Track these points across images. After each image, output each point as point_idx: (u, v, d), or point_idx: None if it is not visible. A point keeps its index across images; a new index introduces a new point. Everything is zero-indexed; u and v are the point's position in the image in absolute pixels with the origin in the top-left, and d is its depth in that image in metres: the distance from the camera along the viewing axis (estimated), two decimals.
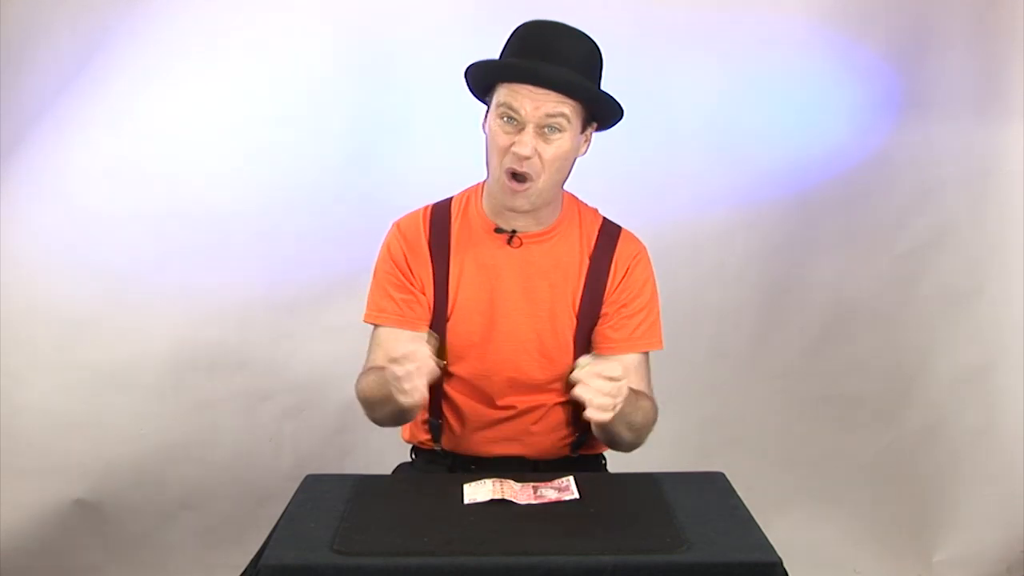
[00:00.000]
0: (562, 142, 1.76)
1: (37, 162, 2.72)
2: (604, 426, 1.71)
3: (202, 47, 2.73)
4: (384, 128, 2.78)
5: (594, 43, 1.80)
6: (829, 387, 2.95)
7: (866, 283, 2.91)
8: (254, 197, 2.78)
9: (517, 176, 1.76)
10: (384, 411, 1.79)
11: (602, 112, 1.82)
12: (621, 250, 1.89)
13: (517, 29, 1.80)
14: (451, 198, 1.93)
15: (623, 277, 1.87)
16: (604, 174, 2.59)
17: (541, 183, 1.77)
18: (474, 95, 1.85)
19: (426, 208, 1.92)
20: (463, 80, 1.83)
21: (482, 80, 1.80)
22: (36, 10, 2.66)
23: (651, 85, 2.79)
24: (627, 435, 1.79)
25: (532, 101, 1.73)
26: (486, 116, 1.82)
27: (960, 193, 2.88)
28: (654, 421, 1.86)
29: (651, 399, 1.87)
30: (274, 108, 2.76)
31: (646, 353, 1.90)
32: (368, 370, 1.85)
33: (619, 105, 1.80)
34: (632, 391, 1.71)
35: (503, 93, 1.75)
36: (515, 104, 1.73)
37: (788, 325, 2.93)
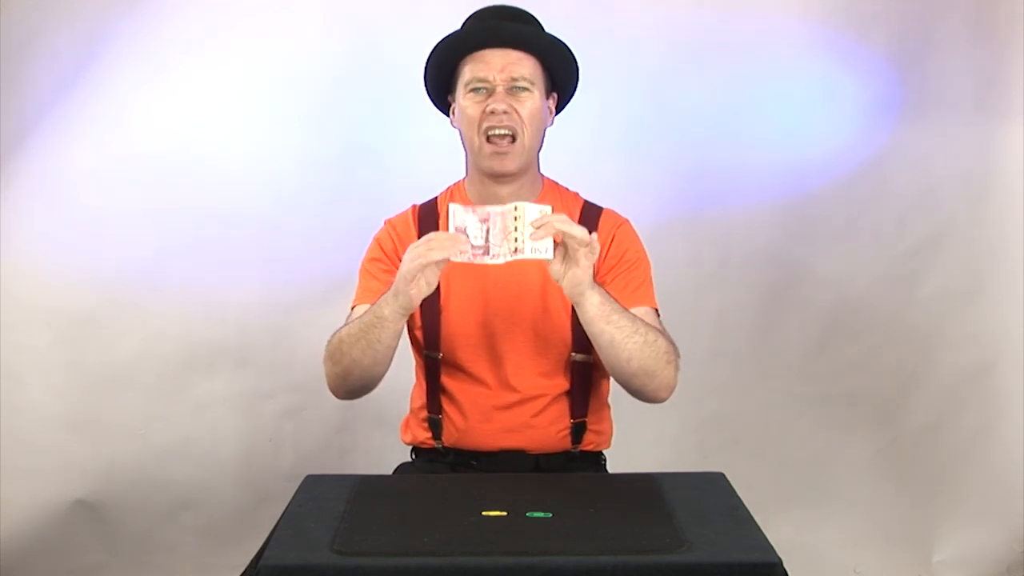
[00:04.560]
0: (533, 101, 1.83)
1: (37, 162, 2.73)
2: (602, 330, 1.68)
3: (202, 47, 2.73)
4: (384, 128, 2.78)
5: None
6: (829, 387, 2.95)
7: (866, 283, 2.91)
8: (254, 197, 2.78)
9: (498, 136, 1.81)
10: (358, 347, 1.73)
11: (559, 74, 1.89)
12: (605, 221, 1.91)
13: (466, 19, 1.90)
14: (436, 196, 1.98)
15: (611, 243, 1.89)
16: (604, 174, 2.61)
17: (526, 140, 1.83)
18: (434, 101, 1.94)
19: (413, 207, 1.96)
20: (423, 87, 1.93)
21: (446, 62, 1.87)
22: (36, 10, 2.66)
23: (651, 85, 2.80)
24: (631, 345, 1.70)
25: (499, 61, 1.82)
26: (453, 113, 1.90)
27: (960, 193, 2.88)
28: (672, 352, 1.77)
29: (664, 332, 1.81)
30: (274, 108, 2.77)
31: (654, 310, 1.88)
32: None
33: (574, 59, 1.88)
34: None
35: (467, 69, 1.84)
36: (482, 72, 1.82)
37: (788, 325, 2.93)
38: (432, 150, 2.67)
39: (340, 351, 1.78)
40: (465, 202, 1.91)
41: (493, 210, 1.62)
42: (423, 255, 1.61)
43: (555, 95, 1.92)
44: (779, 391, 2.95)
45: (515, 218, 1.60)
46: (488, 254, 1.62)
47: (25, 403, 2.76)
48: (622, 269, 1.88)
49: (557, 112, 1.95)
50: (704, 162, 2.84)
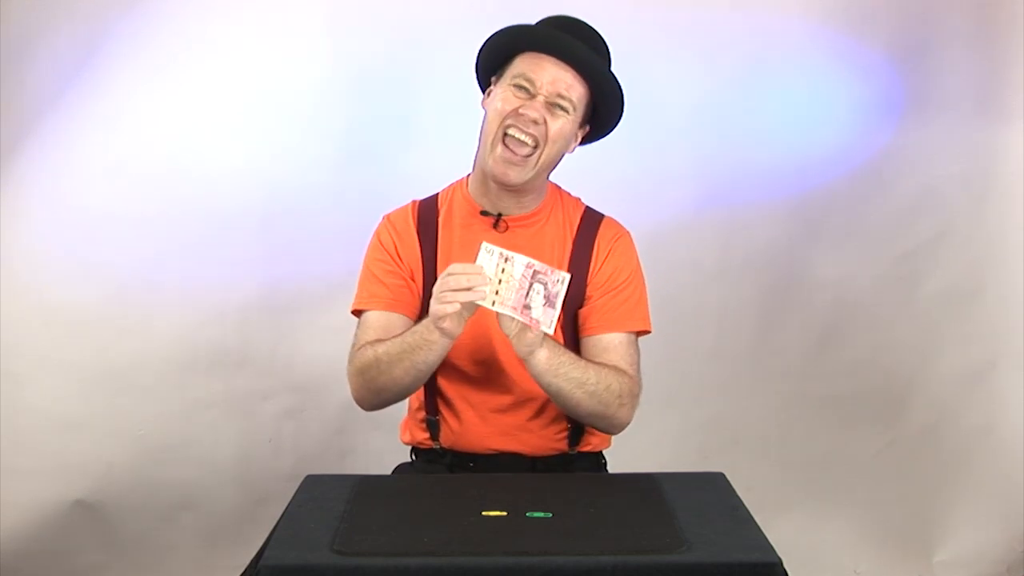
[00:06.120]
0: (565, 123, 1.81)
1: (37, 162, 2.72)
2: (549, 383, 1.73)
3: (202, 47, 2.73)
4: (384, 128, 2.78)
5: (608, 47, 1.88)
6: (829, 387, 2.95)
7: (866, 283, 2.91)
8: (254, 197, 2.78)
9: (517, 142, 1.79)
10: (400, 367, 1.75)
11: (605, 106, 1.86)
12: (603, 233, 1.91)
13: (541, 20, 1.86)
14: (437, 193, 1.97)
15: (605, 259, 1.89)
16: (605, 174, 2.61)
17: (543, 157, 1.80)
18: (479, 77, 1.90)
19: (413, 202, 1.96)
20: (473, 59, 1.89)
21: (505, 47, 1.83)
22: (36, 10, 2.66)
23: (652, 85, 2.79)
24: (579, 394, 1.75)
25: (551, 73, 1.78)
26: (487, 94, 1.87)
27: (960, 193, 2.88)
28: (627, 394, 1.80)
29: (624, 372, 1.82)
30: (274, 108, 2.77)
31: (633, 334, 1.88)
32: (370, 343, 1.82)
33: (622, 101, 1.85)
34: (578, 357, 1.78)
35: (521, 63, 1.80)
36: (532, 74, 1.78)
37: (788, 325, 2.93)
38: (432, 150, 2.69)
39: (377, 368, 1.78)
40: (466, 200, 1.92)
41: (519, 258, 1.65)
42: (443, 308, 1.64)
43: (587, 128, 1.89)
44: (779, 391, 2.95)
45: (534, 272, 1.64)
46: (504, 306, 1.65)
47: (25, 403, 2.76)
48: (609, 289, 1.87)
49: (582, 143, 1.92)
50: (704, 162, 2.84)
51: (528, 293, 1.65)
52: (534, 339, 1.68)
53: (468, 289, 1.63)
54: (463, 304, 1.65)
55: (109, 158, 2.74)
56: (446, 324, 1.67)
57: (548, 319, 1.65)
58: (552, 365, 1.72)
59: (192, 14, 2.72)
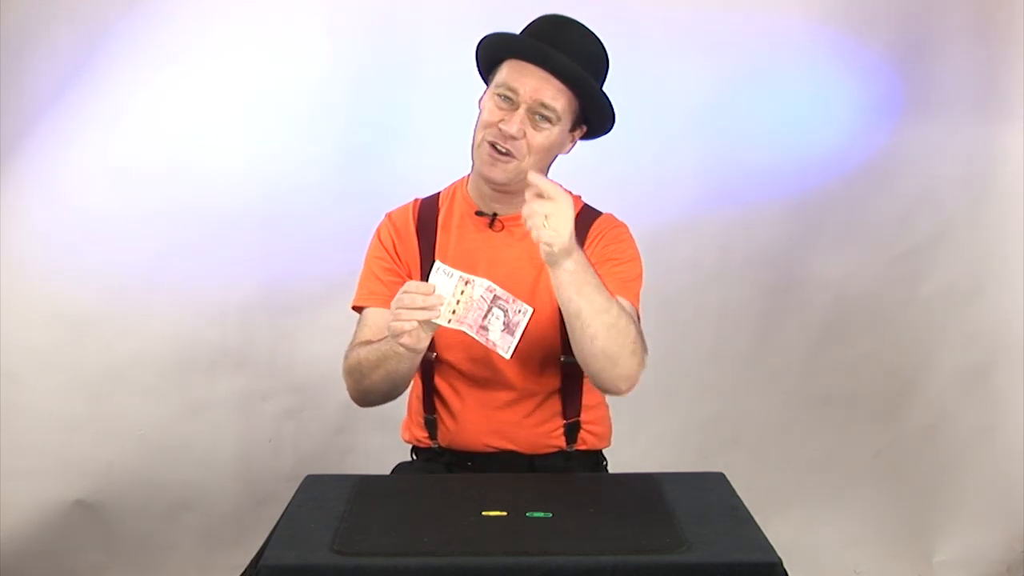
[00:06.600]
0: (549, 134, 1.80)
1: (37, 162, 2.72)
2: (570, 298, 1.65)
3: (202, 47, 2.73)
4: (384, 128, 2.79)
5: (604, 49, 1.85)
6: (829, 387, 2.95)
7: (866, 283, 2.91)
8: (254, 197, 2.78)
9: (497, 148, 1.79)
10: (377, 374, 1.78)
11: (594, 115, 1.86)
12: (598, 224, 1.90)
13: (536, 19, 1.85)
14: (439, 192, 1.98)
15: (595, 242, 1.87)
16: (605, 174, 2.61)
17: (524, 165, 1.80)
18: (480, 73, 1.90)
19: (416, 200, 1.97)
20: (472, 62, 1.88)
21: (492, 53, 1.84)
22: (36, 10, 2.66)
23: (651, 85, 2.80)
24: (597, 323, 1.65)
25: (533, 83, 1.77)
26: (484, 93, 1.87)
27: (960, 193, 2.88)
28: (640, 344, 1.72)
29: (637, 323, 1.77)
30: (274, 108, 2.77)
31: (635, 309, 1.84)
32: (361, 343, 1.85)
33: (612, 111, 1.84)
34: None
35: (505, 71, 1.80)
36: (515, 83, 1.78)
37: (788, 325, 2.93)
38: (432, 150, 2.68)
39: (360, 372, 1.81)
40: (465, 200, 1.92)
41: (480, 281, 1.65)
42: (400, 325, 1.64)
43: (584, 127, 1.88)
44: (779, 391, 2.95)
45: (494, 297, 1.65)
46: (461, 324, 1.66)
47: (25, 404, 2.76)
48: (607, 259, 1.85)
49: (584, 138, 1.90)
50: (704, 162, 2.84)
51: (487, 315, 1.66)
52: (560, 247, 1.60)
53: (423, 308, 1.63)
54: (420, 322, 1.65)
55: (109, 158, 2.74)
56: (405, 340, 1.66)
57: (506, 345, 1.66)
58: (576, 280, 1.64)
59: (192, 14, 2.72)
